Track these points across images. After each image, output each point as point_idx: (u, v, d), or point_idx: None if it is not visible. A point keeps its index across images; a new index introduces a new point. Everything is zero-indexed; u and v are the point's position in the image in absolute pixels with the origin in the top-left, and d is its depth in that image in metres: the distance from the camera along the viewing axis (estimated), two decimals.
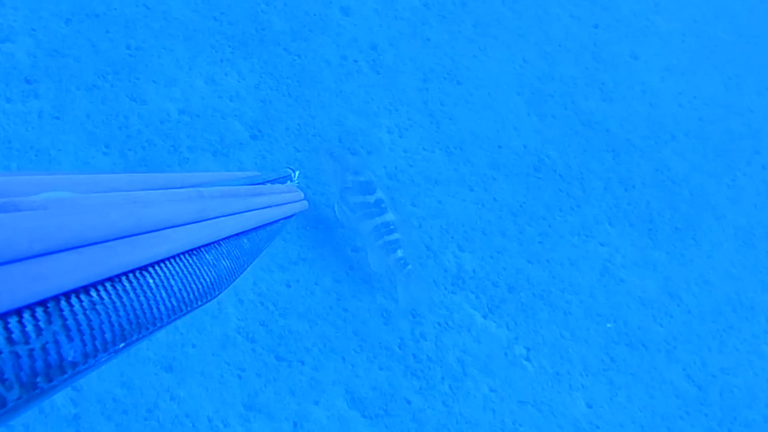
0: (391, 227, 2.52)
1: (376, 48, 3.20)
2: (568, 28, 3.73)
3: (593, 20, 3.83)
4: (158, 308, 0.44)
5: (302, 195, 1.12)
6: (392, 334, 2.51)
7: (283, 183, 1.03)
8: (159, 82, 2.70)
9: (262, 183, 0.93)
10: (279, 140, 2.75)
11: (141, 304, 0.42)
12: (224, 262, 0.57)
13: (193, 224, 0.55)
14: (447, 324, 2.60)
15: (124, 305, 0.41)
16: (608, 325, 2.82)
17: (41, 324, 0.34)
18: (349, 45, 3.15)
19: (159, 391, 2.17)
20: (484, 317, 2.66)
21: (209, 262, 0.54)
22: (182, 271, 0.50)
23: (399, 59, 3.22)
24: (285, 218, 0.93)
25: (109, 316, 0.39)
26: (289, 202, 0.96)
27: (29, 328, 0.33)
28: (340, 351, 2.42)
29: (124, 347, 0.40)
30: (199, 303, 0.51)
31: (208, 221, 0.59)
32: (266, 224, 0.78)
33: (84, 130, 2.49)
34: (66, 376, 0.34)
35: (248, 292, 2.41)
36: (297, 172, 1.31)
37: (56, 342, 0.34)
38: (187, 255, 0.52)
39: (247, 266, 0.65)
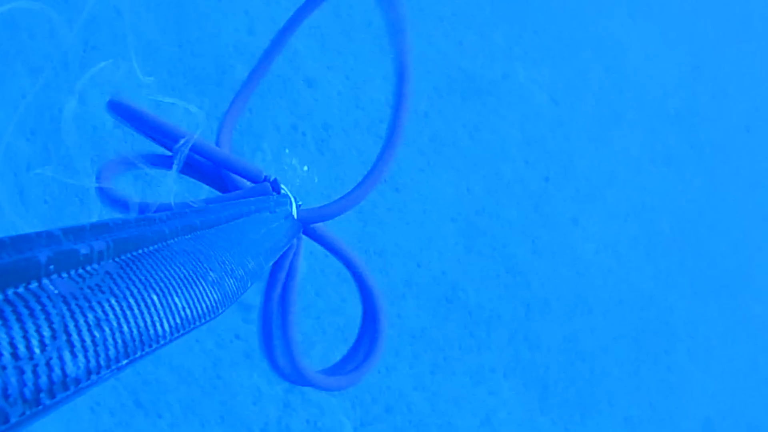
0: None
1: (329, 129, 3.28)
2: (520, 172, 3.86)
3: (546, 172, 3.97)
4: (162, 326, 0.47)
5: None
6: (258, 416, 2.55)
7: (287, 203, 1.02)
8: None
9: (263, 202, 0.96)
10: None
11: (144, 322, 0.45)
12: (228, 281, 0.61)
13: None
14: (315, 424, 2.64)
15: (128, 322, 0.43)
16: None
17: (46, 340, 0.36)
18: (303, 116, 3.23)
19: None
20: (354, 430, 2.71)
21: (213, 281, 0.57)
22: (185, 289, 0.53)
23: (346, 147, 3.30)
24: (290, 236, 0.96)
25: (113, 333, 0.41)
26: (293, 219, 0.99)
27: (34, 343, 0.35)
28: (201, 415, 2.45)
29: (127, 364, 0.42)
30: (203, 321, 0.54)
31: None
32: (271, 242, 0.82)
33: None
34: (69, 392, 0.36)
35: None
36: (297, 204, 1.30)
37: (60, 358, 0.36)
38: (190, 273, 0.55)
39: (251, 285, 0.69)
